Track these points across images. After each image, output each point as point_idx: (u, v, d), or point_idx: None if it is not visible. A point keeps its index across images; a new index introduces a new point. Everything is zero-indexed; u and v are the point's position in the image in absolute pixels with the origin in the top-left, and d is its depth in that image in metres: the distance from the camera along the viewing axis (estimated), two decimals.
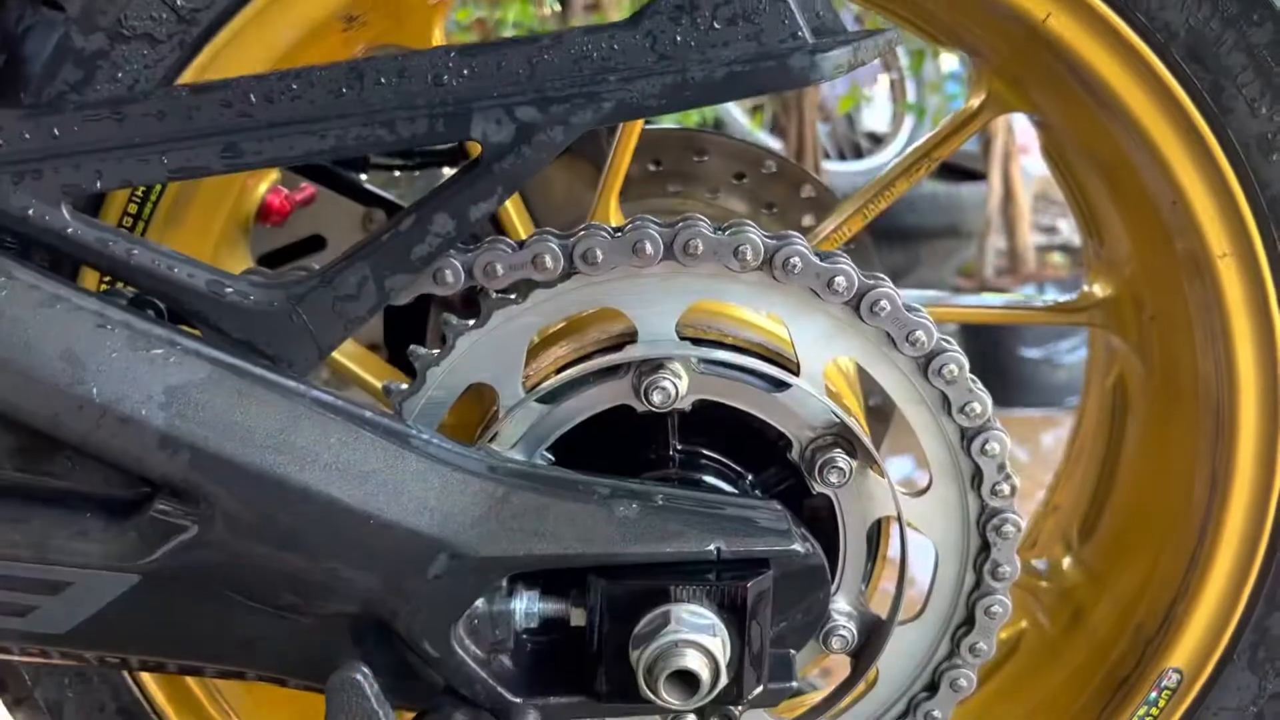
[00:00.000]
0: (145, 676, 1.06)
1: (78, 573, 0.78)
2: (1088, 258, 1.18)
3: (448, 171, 1.40)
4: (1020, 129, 3.54)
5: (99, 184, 0.77)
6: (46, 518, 0.79)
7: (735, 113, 3.88)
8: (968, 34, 1.02)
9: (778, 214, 1.27)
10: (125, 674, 1.06)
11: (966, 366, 0.86)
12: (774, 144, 3.97)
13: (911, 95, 4.31)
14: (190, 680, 1.09)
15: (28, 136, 0.77)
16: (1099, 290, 1.12)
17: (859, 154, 4.58)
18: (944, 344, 0.85)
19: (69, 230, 0.77)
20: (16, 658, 0.94)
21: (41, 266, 0.79)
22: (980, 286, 3.34)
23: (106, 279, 0.89)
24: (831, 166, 4.16)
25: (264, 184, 1.08)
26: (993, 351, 3.36)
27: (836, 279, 0.82)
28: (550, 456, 0.91)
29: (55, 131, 0.77)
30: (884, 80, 4.47)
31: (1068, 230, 4.70)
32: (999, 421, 0.89)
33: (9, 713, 1.08)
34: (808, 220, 1.26)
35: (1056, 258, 3.80)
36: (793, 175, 1.26)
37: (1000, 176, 3.30)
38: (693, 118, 3.08)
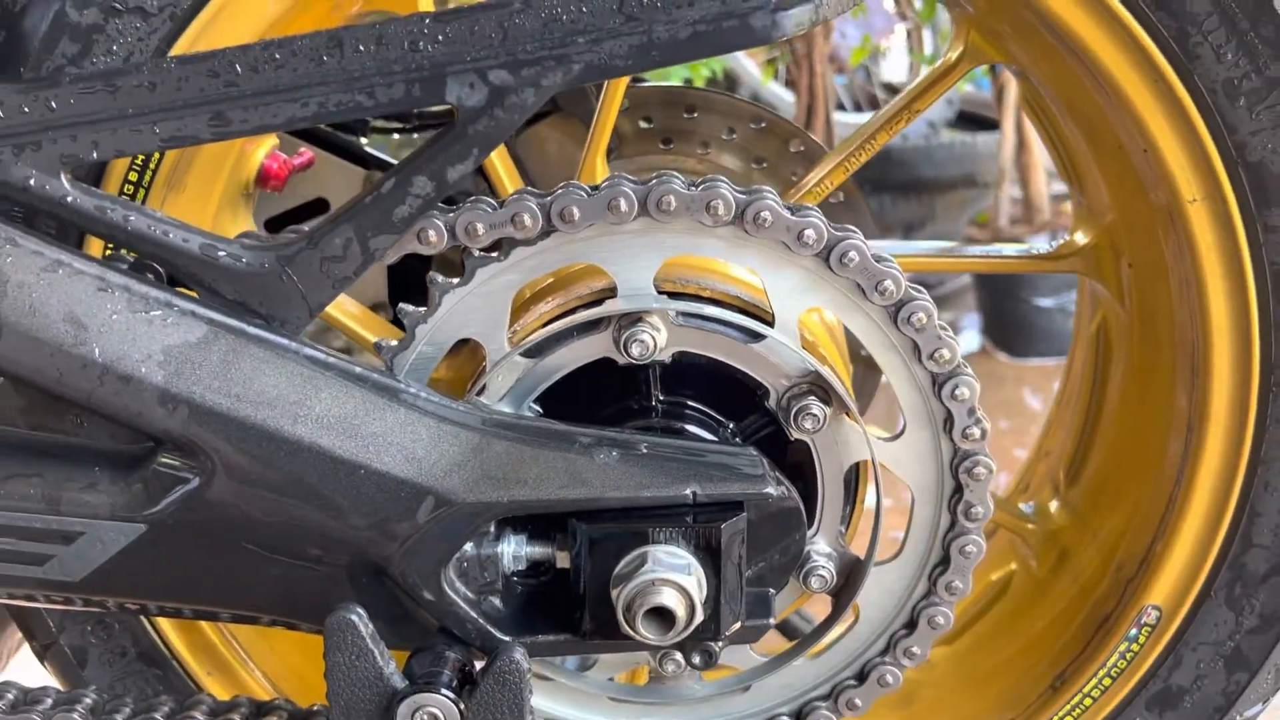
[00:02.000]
0: (164, 624, 1.12)
1: (88, 523, 0.83)
2: (1073, 206, 1.20)
3: None
4: None
5: (95, 154, 0.80)
6: (58, 472, 0.84)
7: (748, 65, 3.87)
8: None
9: (768, 168, 1.29)
10: (145, 621, 1.12)
11: (935, 314, 0.88)
12: (787, 97, 3.95)
13: (929, 45, 4.27)
14: (207, 627, 1.14)
15: (26, 110, 0.80)
16: (1081, 238, 1.14)
17: (876, 105, 4.56)
18: (912, 292, 0.88)
19: (68, 199, 0.81)
20: (41, 605, 1.00)
21: (45, 234, 0.83)
22: (994, 236, 3.33)
23: (110, 247, 0.93)
24: (847, 118, 4.14)
25: (261, 150, 1.11)
26: (1007, 302, 3.36)
27: (806, 232, 0.85)
28: (538, 409, 0.94)
29: (52, 104, 0.80)
30: (901, 30, 4.43)
31: None
32: (970, 367, 0.91)
33: (38, 660, 1.14)
34: (798, 174, 1.28)
35: (1069, 207, 3.75)
36: (782, 130, 1.28)
37: (1013, 125, 3.28)
38: (701, 73, 3.08)
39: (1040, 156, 3.34)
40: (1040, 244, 1.20)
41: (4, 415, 0.86)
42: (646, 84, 1.31)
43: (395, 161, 1.37)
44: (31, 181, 0.81)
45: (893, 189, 3.80)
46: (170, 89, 0.80)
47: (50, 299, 0.79)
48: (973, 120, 4.24)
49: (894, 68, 4.72)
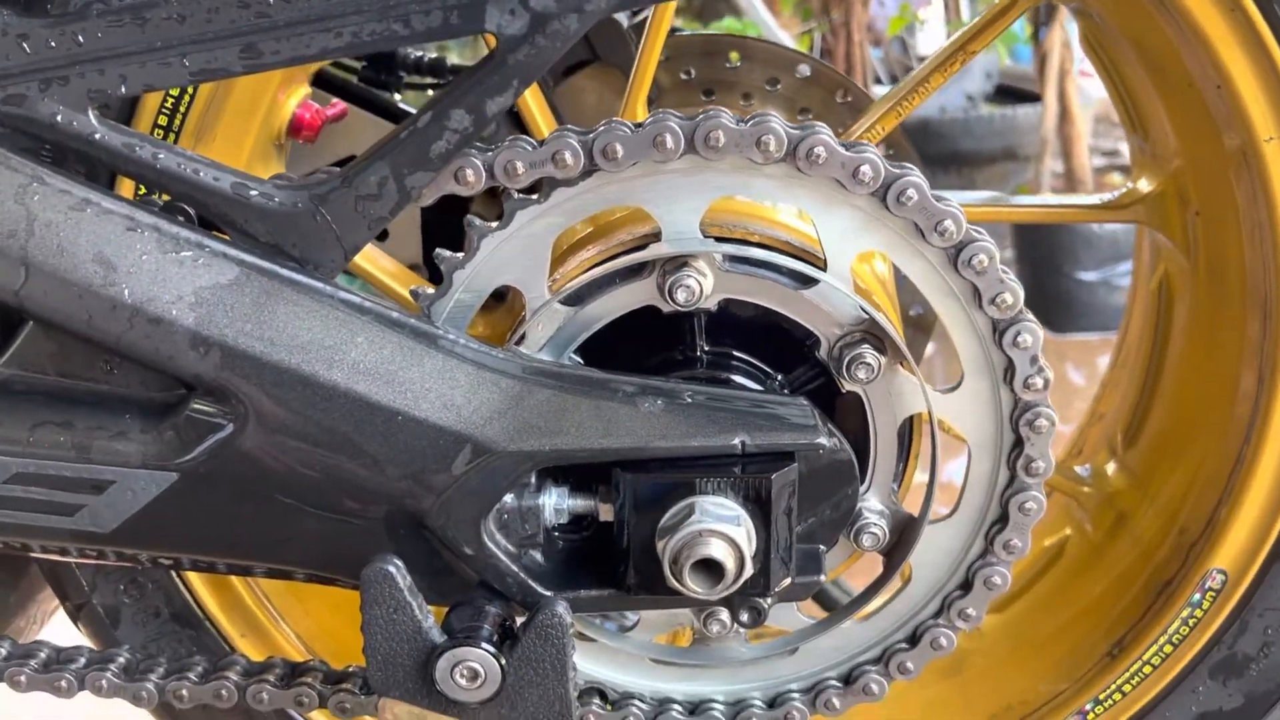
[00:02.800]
0: (198, 584, 1.10)
1: (119, 471, 0.81)
2: (1133, 153, 1.15)
3: None
4: (1077, 48, 3.42)
5: (123, 88, 0.78)
6: (88, 419, 0.81)
7: (782, 36, 3.81)
8: None
9: (813, 120, 1.24)
10: (178, 581, 1.10)
11: (997, 257, 0.84)
12: None
13: (966, 15, 4.19)
14: (239, 586, 1.12)
15: (53, 44, 0.78)
16: (1144, 186, 1.09)
17: None
18: (974, 234, 0.84)
19: (96, 135, 0.79)
20: (73, 559, 0.98)
21: (73, 172, 0.80)
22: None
23: (139, 189, 0.91)
24: (883, 91, 4.07)
25: (294, 99, 1.08)
26: (1049, 275, 3.30)
27: (862, 168, 0.81)
28: (578, 359, 0.91)
29: (79, 38, 0.78)
30: (938, 1, 4.35)
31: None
32: (1031, 314, 0.87)
33: (71, 621, 1.13)
34: (845, 125, 1.24)
35: (1115, 178, 3.69)
36: (828, 80, 1.24)
37: (1056, 95, 3.20)
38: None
39: (1084, 128, 3.27)
40: (1102, 195, 1.14)
41: (33, 362, 0.83)
42: (687, 33, 1.27)
43: None
44: (59, 117, 0.78)
45: (931, 162, 3.74)
46: (200, 20, 0.77)
47: (78, 239, 0.76)
48: (1011, 93, 4.15)
49: (930, 40, 4.64)
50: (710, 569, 0.79)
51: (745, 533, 0.79)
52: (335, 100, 1.21)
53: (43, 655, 0.99)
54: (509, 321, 1.01)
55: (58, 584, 1.11)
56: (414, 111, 1.35)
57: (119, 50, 0.77)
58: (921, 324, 1.30)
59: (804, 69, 1.23)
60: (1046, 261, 3.30)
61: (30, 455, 0.81)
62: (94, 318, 0.77)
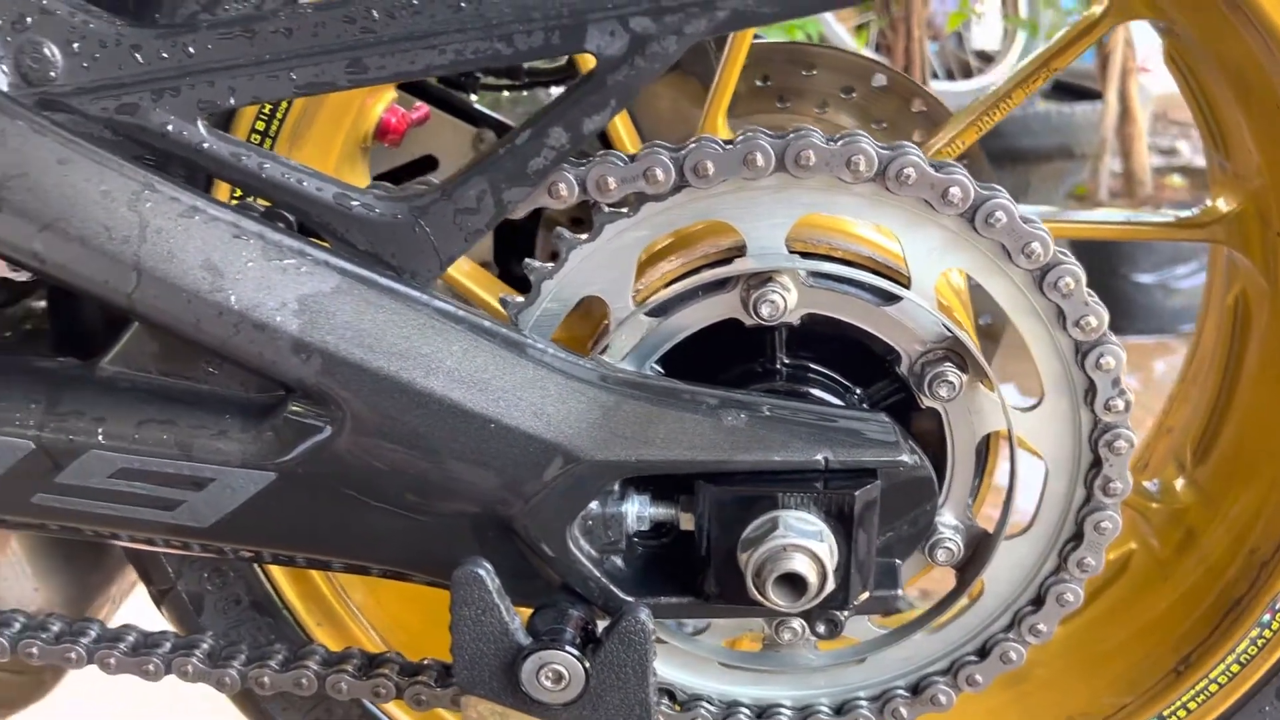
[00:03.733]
0: (277, 573, 1.13)
1: (219, 470, 0.83)
2: (1212, 171, 1.14)
3: (555, 91, 1.41)
4: (1139, 45, 3.38)
5: (232, 100, 0.80)
6: (190, 419, 0.84)
7: (839, 30, 3.79)
8: None
9: (887, 129, 1.25)
10: (259, 570, 1.13)
11: (1083, 280, 0.85)
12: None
13: (1024, 10, 4.14)
14: (317, 577, 1.16)
15: (165, 55, 0.80)
16: (1223, 205, 1.09)
17: (968, 73, 4.44)
18: (1060, 256, 0.84)
19: (205, 145, 0.81)
20: (160, 549, 1.01)
21: (178, 179, 0.83)
22: (1094, 208, 3.23)
23: (237, 194, 0.93)
24: (940, 86, 4.04)
25: (380, 103, 1.10)
26: (1106, 277, 3.27)
27: (951, 190, 0.82)
28: (659, 369, 0.93)
29: (190, 50, 0.80)
30: None
31: (1189, 152, 4.50)
32: (1114, 337, 0.87)
33: (154, 605, 1.16)
34: (918, 136, 1.24)
35: (1175, 179, 3.64)
36: (903, 89, 1.24)
37: (1117, 94, 3.16)
38: (797, 35, 3.02)
39: (1143, 127, 3.23)
40: (1175, 211, 1.14)
41: (138, 361, 0.86)
42: (763, 40, 1.28)
43: (504, 120, 1.37)
44: (169, 127, 0.81)
45: (987, 159, 3.70)
46: (307, 35, 0.79)
47: (187, 245, 0.79)
48: (1069, 90, 4.10)
49: (985, 34, 4.59)
50: (793, 583, 0.80)
51: (828, 548, 0.80)
52: (418, 104, 1.23)
53: (131, 639, 1.03)
54: (584, 326, 1.03)
55: (143, 569, 1.15)
56: (489, 113, 1.38)
57: (228, 62, 0.80)
58: (990, 333, 1.30)
59: (880, 78, 1.24)
60: (1102, 263, 3.27)
61: (135, 451, 0.84)
62: (201, 322, 0.79)
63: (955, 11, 3.60)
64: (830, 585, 0.81)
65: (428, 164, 1.38)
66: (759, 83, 1.24)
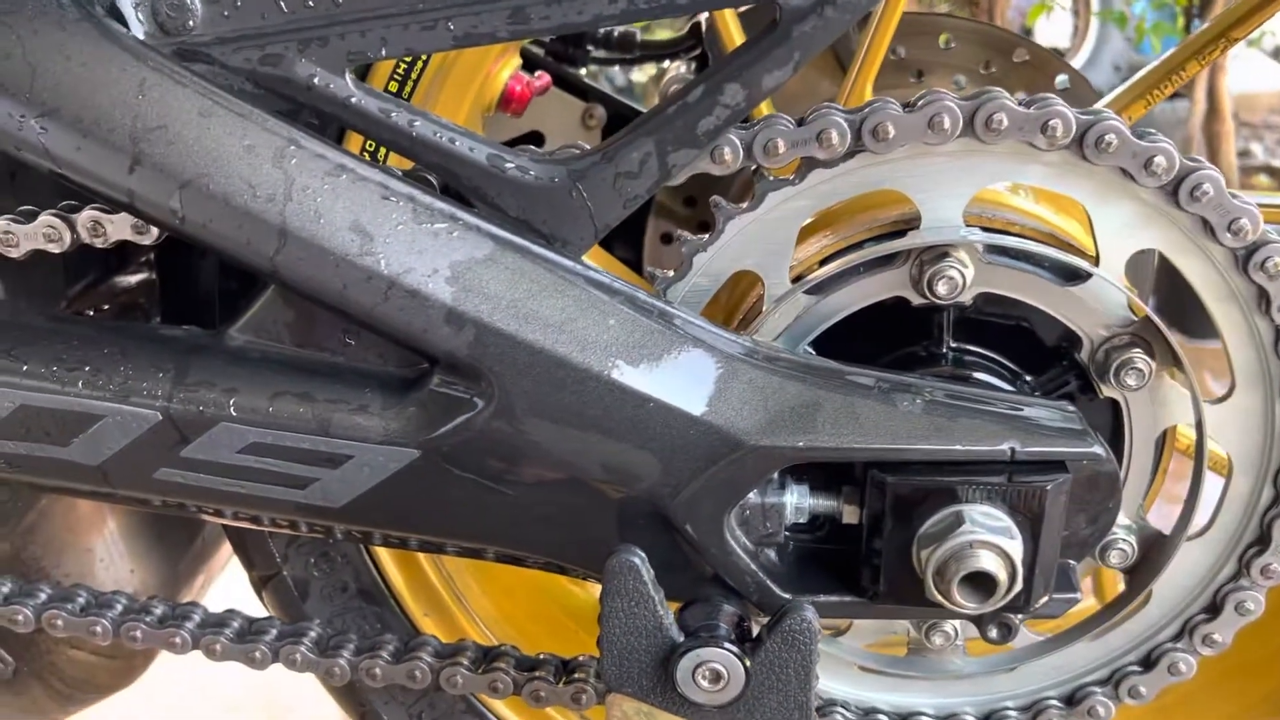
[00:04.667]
0: (385, 560, 1.08)
1: (358, 446, 0.78)
2: None
3: (668, 65, 1.36)
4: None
5: (384, 51, 0.75)
6: (327, 392, 0.79)
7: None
8: None
9: None
10: (367, 557, 1.08)
11: None
12: None
13: (1096, 5, 4.04)
14: (426, 564, 1.11)
15: (311, 4, 0.75)
16: None
17: None
18: (1269, 235, 0.77)
19: (352, 99, 0.76)
20: (267, 528, 0.96)
21: (322, 135, 0.78)
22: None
23: (369, 149, 0.88)
24: None
25: (507, 70, 1.05)
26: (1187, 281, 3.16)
27: (1156, 159, 0.75)
28: (812, 351, 0.87)
29: None
30: None
31: (1262, 154, 4.38)
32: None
33: (255, 591, 1.12)
34: None
35: (1262, 179, 3.53)
36: (1046, 64, 1.17)
37: (1205, 91, 3.06)
38: None
39: (1231, 126, 3.13)
40: None
41: (269, 330, 0.81)
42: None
43: (616, 96, 1.31)
44: (316, 79, 0.76)
45: None
46: None
47: (335, 205, 0.74)
48: None
49: (1055, 29, 4.49)
50: (979, 582, 0.74)
51: (1018, 545, 0.74)
52: (540, 73, 1.18)
53: (236, 625, 0.98)
54: (722, 305, 0.97)
55: (244, 553, 1.10)
56: (598, 87, 1.33)
57: (381, 11, 0.74)
58: None
59: (1022, 53, 1.17)
60: None
61: (270, 425, 0.79)
62: (349, 287, 0.74)
63: (1037, 4, 3.51)
64: (1018, 586, 0.74)
65: (534, 139, 1.33)
66: (893, 55, 1.18)
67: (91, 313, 1.10)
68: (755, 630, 0.79)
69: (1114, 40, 3.94)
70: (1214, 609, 0.90)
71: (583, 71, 1.34)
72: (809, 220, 0.92)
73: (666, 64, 1.36)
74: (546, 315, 0.75)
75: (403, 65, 0.88)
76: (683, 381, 0.76)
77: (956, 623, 0.89)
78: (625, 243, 1.34)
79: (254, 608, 1.06)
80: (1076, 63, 4.19)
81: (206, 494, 0.83)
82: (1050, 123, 0.75)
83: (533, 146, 0.82)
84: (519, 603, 1.19)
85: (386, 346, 0.79)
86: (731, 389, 0.77)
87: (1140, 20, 3.23)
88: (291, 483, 0.81)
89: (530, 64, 1.26)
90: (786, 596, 0.80)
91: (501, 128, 1.31)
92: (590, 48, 1.34)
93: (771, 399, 0.78)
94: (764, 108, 1.04)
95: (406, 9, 0.74)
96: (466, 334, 0.74)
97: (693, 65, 1.29)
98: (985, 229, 0.82)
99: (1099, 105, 1.08)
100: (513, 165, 0.77)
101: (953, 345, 0.87)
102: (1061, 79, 1.17)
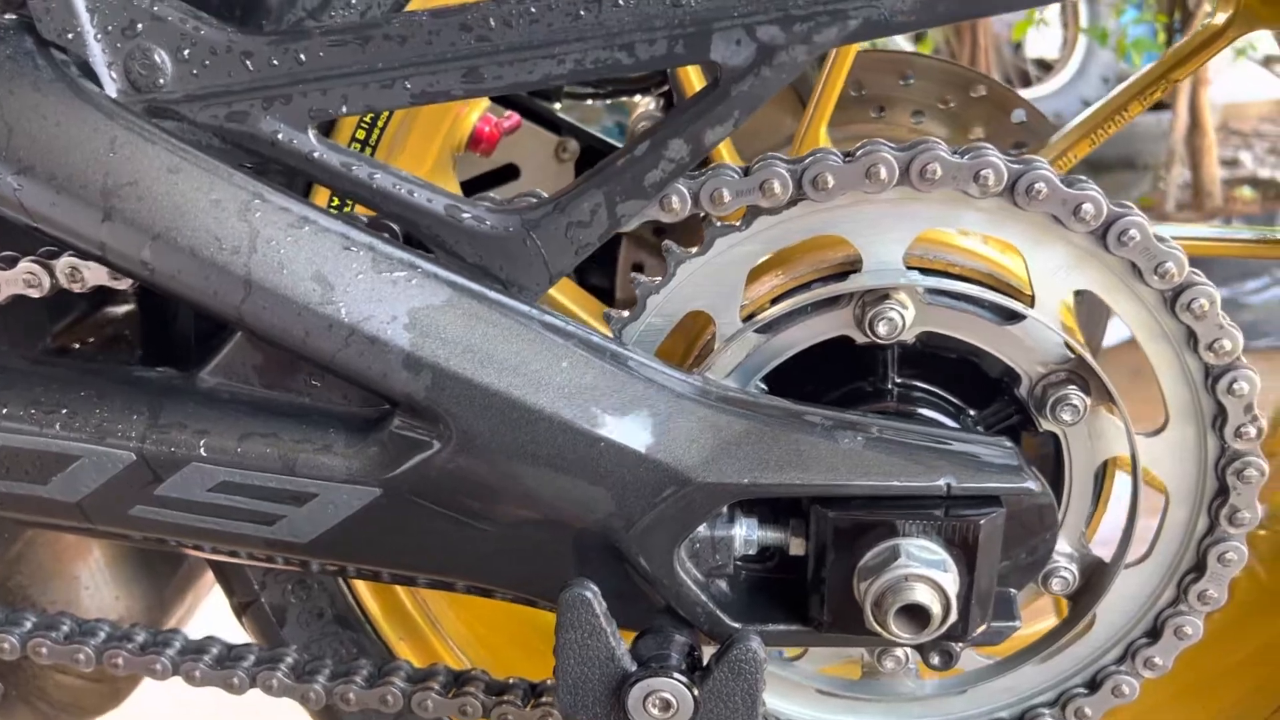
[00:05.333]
0: (360, 587, 1.12)
1: (323, 485, 0.82)
2: None
3: (639, 99, 1.39)
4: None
5: (344, 108, 0.78)
6: (293, 432, 0.83)
7: (899, 40, 3.74)
8: None
9: (985, 140, 1.21)
10: (342, 584, 1.11)
11: (1218, 300, 0.81)
12: None
13: (1085, 19, 4.07)
14: (400, 591, 1.14)
15: (275, 62, 0.79)
16: None
17: (1027, 82, 4.38)
18: (1194, 276, 0.81)
19: (315, 154, 0.80)
20: (245, 561, 1.00)
21: (286, 188, 0.81)
22: (1160, 220, 3.16)
23: (337, 202, 0.92)
24: None
25: (475, 112, 1.09)
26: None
27: (1084, 206, 0.79)
28: (764, 387, 0.90)
29: (301, 57, 0.78)
30: (1056, 4, 4.24)
31: (1251, 163, 4.41)
32: (1247, 361, 0.84)
33: (235, 616, 1.15)
34: (1020, 147, 1.21)
35: (1245, 192, 3.56)
36: (1003, 100, 1.21)
37: (1187, 105, 3.09)
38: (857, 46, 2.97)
39: (1213, 138, 3.16)
40: (1262, 226, 1.09)
41: (238, 373, 0.85)
42: (859, 49, 1.25)
43: (587, 129, 1.35)
44: (279, 135, 0.79)
45: None
46: (421, 43, 0.77)
47: (297, 256, 0.77)
48: None
49: (1044, 43, 4.52)
50: (914, 613, 0.77)
51: (952, 578, 0.77)
52: (509, 112, 1.21)
53: (215, 651, 1.01)
54: (680, 342, 1.00)
55: (225, 581, 1.13)
56: (572, 121, 1.36)
57: (341, 70, 0.78)
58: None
59: (979, 89, 1.20)
60: None
61: (238, 465, 0.82)
62: (310, 335, 0.77)
63: (1022, 20, 3.54)
64: (953, 617, 0.78)
65: (509, 172, 1.37)
66: (853, 92, 1.21)
67: (77, 346, 1.14)
68: (706, 659, 0.83)
69: (1102, 53, 3.99)
70: (1155, 633, 0.93)
71: (556, 106, 1.37)
72: (767, 259, 0.96)
73: (637, 99, 1.39)
74: (501, 358, 0.79)
75: (369, 116, 0.91)
76: (633, 420, 0.80)
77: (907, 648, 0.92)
78: (600, 271, 1.37)
79: (239, 632, 1.10)
80: (1065, 75, 4.23)
81: (180, 530, 0.86)
82: (982, 172, 0.79)
83: (493, 194, 0.85)
84: (494, 626, 1.22)
85: (350, 388, 0.83)
86: (680, 427, 0.81)
87: (1121, 36, 3.27)
88: (260, 519, 0.84)
89: (504, 99, 1.30)
90: (736, 626, 0.83)
91: (479, 162, 1.35)
92: (564, 85, 1.37)
93: (719, 437, 0.81)
94: (724, 150, 1.08)
95: (365, 69, 0.78)
96: (424, 378, 0.78)
97: (660, 101, 1.33)
98: (925, 271, 0.85)
99: (1056, 137, 1.12)
100: (469, 215, 0.80)
101: (898, 381, 0.91)
102: (1018, 114, 1.20)
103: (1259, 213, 3.33)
